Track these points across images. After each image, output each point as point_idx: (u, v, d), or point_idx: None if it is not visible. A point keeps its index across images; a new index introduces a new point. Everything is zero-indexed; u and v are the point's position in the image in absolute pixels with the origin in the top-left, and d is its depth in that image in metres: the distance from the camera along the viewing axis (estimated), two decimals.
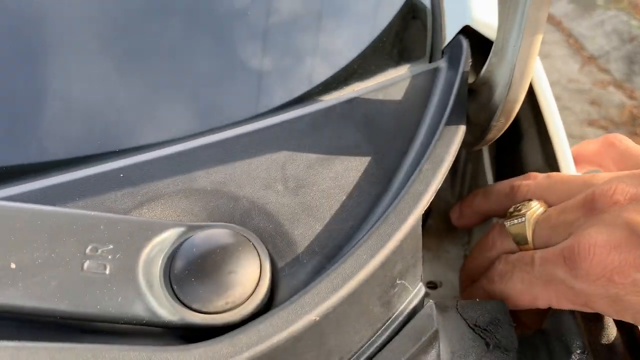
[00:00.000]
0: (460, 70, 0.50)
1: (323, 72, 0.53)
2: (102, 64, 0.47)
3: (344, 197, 0.45)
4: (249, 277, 0.37)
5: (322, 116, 0.49)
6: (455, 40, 0.54)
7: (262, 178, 0.45)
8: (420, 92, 0.52)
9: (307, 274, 0.40)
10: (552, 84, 3.63)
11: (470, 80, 0.53)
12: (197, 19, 0.51)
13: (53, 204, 0.40)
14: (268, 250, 0.41)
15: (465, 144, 0.56)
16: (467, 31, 0.55)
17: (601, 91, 3.67)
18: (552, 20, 4.37)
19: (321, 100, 0.51)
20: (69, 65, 0.47)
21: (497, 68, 0.47)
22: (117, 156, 0.45)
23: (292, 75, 0.52)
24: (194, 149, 0.45)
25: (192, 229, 0.39)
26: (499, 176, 0.74)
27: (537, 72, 0.56)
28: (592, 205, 0.42)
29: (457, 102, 0.48)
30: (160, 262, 0.37)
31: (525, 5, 0.39)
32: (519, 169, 0.67)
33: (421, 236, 0.43)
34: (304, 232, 0.42)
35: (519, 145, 0.67)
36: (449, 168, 0.44)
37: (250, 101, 0.50)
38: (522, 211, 0.47)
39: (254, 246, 0.39)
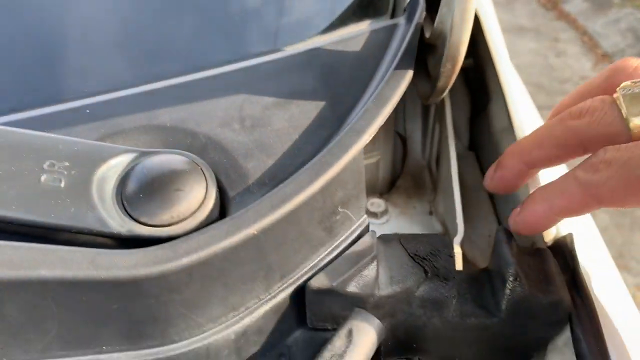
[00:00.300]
0: (413, 23, 0.52)
1: (288, 24, 0.56)
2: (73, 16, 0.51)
3: (297, 137, 0.48)
4: (194, 195, 0.40)
5: (283, 64, 0.52)
6: None
7: (220, 117, 0.48)
8: (377, 46, 0.54)
9: (255, 201, 0.43)
10: (565, 82, 3.61)
11: (429, 34, 0.56)
12: None
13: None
14: (220, 181, 0.44)
15: (425, 97, 0.58)
16: None
17: None
18: (567, 18, 4.35)
19: (283, 50, 0.54)
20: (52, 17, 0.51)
21: (446, 17, 0.49)
22: (86, 96, 0.48)
23: (257, 26, 0.55)
24: (157, 89, 0.49)
25: (145, 154, 0.42)
26: (472, 137, 0.76)
27: (492, 30, 0.58)
28: None
29: (407, 51, 0.50)
30: (113, 181, 0.41)
31: None
32: (486, 130, 0.69)
33: (363, 171, 0.45)
34: (256, 166, 0.45)
35: (488, 106, 0.69)
36: (394, 107, 0.47)
37: (215, 50, 0.53)
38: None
39: (202, 170, 0.42)
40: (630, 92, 0.37)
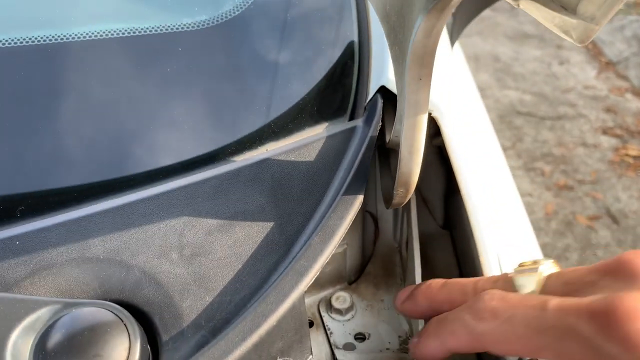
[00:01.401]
0: (368, 136, 0.49)
1: (237, 130, 0.53)
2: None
3: (240, 266, 0.45)
4: (115, 359, 0.37)
5: (229, 179, 0.49)
6: (373, 98, 0.54)
7: (158, 246, 0.45)
8: (334, 152, 0.51)
9: (190, 348, 0.41)
10: (568, 91, 3.56)
11: (388, 139, 0.53)
12: (106, 68, 0.52)
13: None
14: (154, 324, 0.41)
15: (386, 199, 0.55)
16: (385, 90, 0.54)
17: (618, 98, 3.58)
18: None
19: (231, 161, 0.51)
20: None
21: (400, 134, 0.46)
22: (16, 221, 0.45)
23: (203, 132, 0.52)
24: (91, 215, 0.46)
25: (67, 306, 0.39)
26: (447, 215, 0.73)
27: (451, 138, 0.55)
28: (618, 269, 0.38)
29: (357, 172, 0.47)
30: (32, 341, 0.38)
31: (403, 88, 0.38)
32: (461, 209, 0.66)
33: (305, 313, 0.42)
34: (192, 304, 0.42)
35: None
36: (341, 239, 0.44)
37: (155, 159, 0.50)
38: (535, 266, 0.43)
39: (126, 326, 0.39)
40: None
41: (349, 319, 0.63)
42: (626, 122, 3.36)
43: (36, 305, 0.39)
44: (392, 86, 0.54)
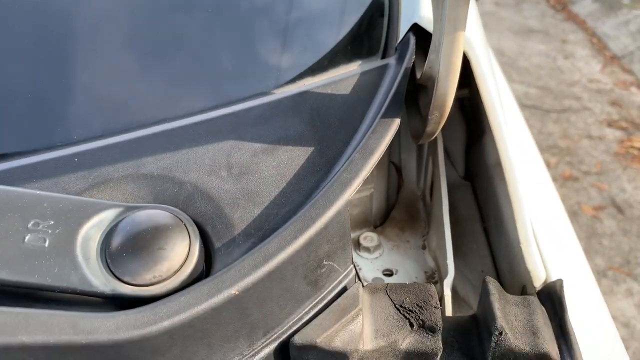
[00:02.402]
0: (403, 66, 0.52)
1: (277, 66, 0.55)
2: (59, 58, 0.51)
3: (284, 184, 0.48)
4: (177, 253, 0.40)
5: (271, 108, 0.52)
6: (405, 37, 0.57)
7: (207, 165, 0.48)
8: (367, 88, 0.54)
9: (241, 254, 0.43)
10: (573, 84, 3.58)
11: (420, 75, 0.56)
12: (155, 15, 0.55)
13: (15, 184, 0.44)
14: (207, 231, 0.44)
15: (416, 136, 0.58)
16: (417, 28, 0.57)
17: (623, 92, 3.60)
18: (576, 19, 4.31)
19: (272, 93, 0.54)
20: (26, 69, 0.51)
21: (434, 64, 0.49)
22: (73, 142, 0.48)
23: (247, 68, 0.55)
24: (144, 137, 0.49)
25: (130, 209, 0.42)
26: (468, 166, 0.76)
27: (484, 72, 0.58)
28: None
29: (394, 98, 0.50)
30: (98, 238, 0.41)
31: (445, 4, 0.41)
32: (482, 163, 0.69)
33: (348, 222, 0.45)
34: (242, 216, 0.45)
35: (482, 139, 0.69)
36: (380, 157, 0.47)
37: (205, 94, 0.53)
38: None
39: (185, 226, 0.42)
40: None
41: (376, 257, 0.66)
42: (631, 114, 3.38)
43: (102, 207, 0.42)
44: (424, 23, 0.56)
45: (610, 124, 3.36)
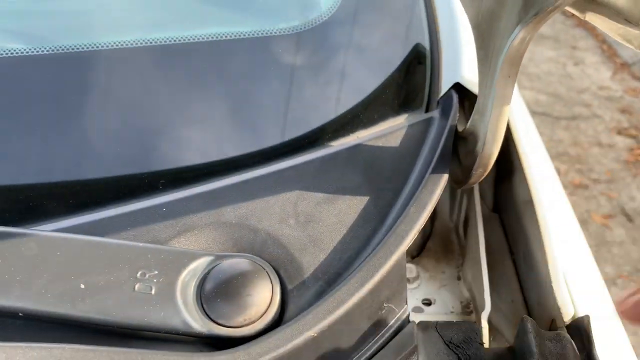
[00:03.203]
0: (448, 124, 0.59)
1: (332, 120, 0.62)
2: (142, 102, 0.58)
3: (345, 232, 0.54)
4: (262, 299, 0.47)
5: (330, 160, 0.59)
6: (447, 93, 0.63)
7: (278, 213, 0.55)
8: (414, 140, 0.61)
9: (311, 295, 0.50)
10: (583, 91, 3.63)
11: (461, 128, 0.62)
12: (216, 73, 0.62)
13: (113, 232, 0.51)
14: (280, 275, 0.51)
15: (456, 182, 0.64)
16: (458, 86, 0.63)
17: (633, 99, 3.64)
18: (586, 26, 4.35)
19: (330, 146, 0.60)
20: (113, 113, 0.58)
21: (478, 124, 0.55)
22: (160, 192, 0.55)
23: (306, 122, 0.62)
24: (223, 187, 0.55)
25: (219, 257, 0.49)
26: (495, 202, 0.82)
27: (518, 126, 0.64)
28: None
29: (442, 155, 0.57)
30: (194, 284, 0.48)
31: (493, 82, 0.47)
32: (511, 198, 0.75)
33: (405, 267, 0.52)
34: (310, 260, 0.52)
35: (512, 177, 0.75)
36: (432, 209, 0.53)
37: (269, 144, 0.60)
38: None
39: (267, 274, 0.48)
40: None
41: (415, 287, 0.72)
42: None
43: (196, 256, 0.49)
44: (465, 83, 0.63)
45: (620, 132, 3.40)
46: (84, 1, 0.69)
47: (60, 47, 0.58)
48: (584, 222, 2.80)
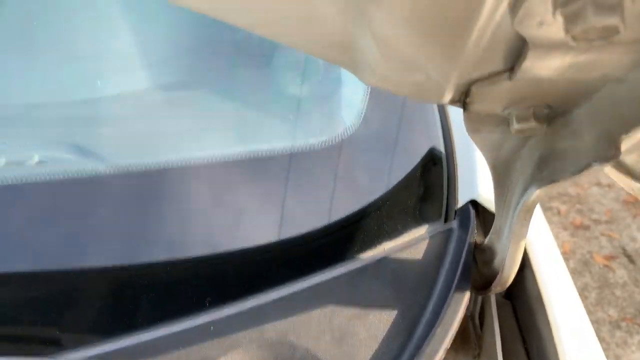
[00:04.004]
0: (467, 241, 0.64)
1: (360, 233, 0.68)
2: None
3: (376, 347, 0.59)
4: None
5: (360, 273, 0.64)
6: (465, 207, 0.69)
7: (315, 329, 0.60)
8: (436, 252, 0.66)
9: None
10: None
11: (479, 239, 0.68)
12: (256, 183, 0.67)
13: (166, 352, 0.56)
14: None
15: (476, 289, 0.70)
16: (474, 202, 0.69)
17: None
18: None
19: (359, 259, 0.66)
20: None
21: (496, 243, 0.61)
22: (206, 310, 0.60)
23: (337, 236, 0.67)
24: (263, 304, 0.61)
25: None
26: (508, 289, 0.87)
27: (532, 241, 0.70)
28: None
29: (463, 272, 0.62)
30: None
31: (510, 221, 0.53)
32: (522, 290, 0.80)
33: None
34: None
35: (523, 270, 0.80)
36: (457, 329, 0.59)
37: (302, 259, 0.65)
38: None
39: None
40: None
41: None
42: None
43: None
44: (482, 201, 0.69)
45: None
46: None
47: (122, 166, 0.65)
48: (586, 263, 2.84)
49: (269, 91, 0.79)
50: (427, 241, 0.67)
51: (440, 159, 0.74)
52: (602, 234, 3.02)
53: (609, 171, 0.52)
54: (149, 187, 0.66)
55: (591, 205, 3.22)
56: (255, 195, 0.68)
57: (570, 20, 0.27)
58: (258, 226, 0.66)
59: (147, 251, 0.63)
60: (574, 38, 0.28)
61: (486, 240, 0.64)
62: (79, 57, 0.76)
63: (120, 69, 0.77)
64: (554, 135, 0.47)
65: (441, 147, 0.75)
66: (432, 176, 0.73)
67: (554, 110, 0.44)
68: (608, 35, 0.27)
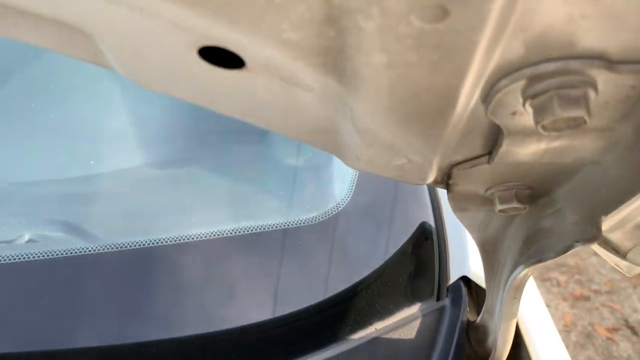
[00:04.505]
0: (459, 320, 0.63)
1: (351, 312, 0.67)
2: None
3: None
4: None
5: (351, 355, 0.63)
6: (456, 283, 0.68)
7: None
8: (429, 331, 0.65)
9: None
10: None
11: (471, 316, 0.67)
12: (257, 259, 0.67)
13: None
14: None
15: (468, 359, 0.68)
16: (466, 277, 0.69)
17: None
18: None
19: (350, 339, 0.65)
20: None
21: (488, 321, 0.60)
22: None
23: (328, 315, 0.66)
24: None
25: None
26: None
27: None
28: None
29: (456, 352, 0.61)
30: None
31: (500, 299, 0.53)
32: None
33: None
34: None
35: (519, 348, 0.79)
36: None
37: (293, 340, 0.64)
38: None
39: None
40: None
41: None
42: None
43: None
44: (473, 277, 0.69)
45: None
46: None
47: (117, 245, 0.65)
48: (589, 336, 2.78)
49: (262, 167, 0.81)
50: (419, 320, 0.66)
51: (431, 233, 0.74)
52: (603, 305, 2.97)
53: (595, 248, 0.52)
54: (140, 265, 0.65)
55: (590, 276, 3.19)
56: (245, 274, 0.68)
57: (538, 112, 0.28)
58: (249, 305, 0.66)
59: (138, 330, 0.62)
60: (543, 128, 0.29)
61: (479, 319, 0.63)
62: (75, 136, 0.78)
63: (116, 148, 0.79)
64: (539, 214, 0.47)
65: (431, 222, 0.76)
66: (423, 252, 0.73)
67: (536, 191, 0.45)
68: (576, 125, 0.29)
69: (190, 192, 0.76)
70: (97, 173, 0.76)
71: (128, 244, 0.65)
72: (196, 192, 0.76)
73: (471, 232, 0.54)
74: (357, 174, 0.76)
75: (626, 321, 2.86)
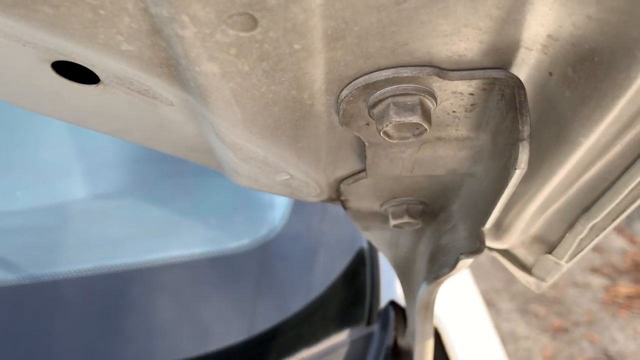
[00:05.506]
0: (385, 345, 0.63)
1: (273, 339, 0.66)
2: None
3: None
4: None
5: None
6: (385, 309, 0.68)
7: None
8: (356, 357, 0.64)
9: None
10: None
11: (402, 339, 0.66)
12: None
13: None
14: None
15: None
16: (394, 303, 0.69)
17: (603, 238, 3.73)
18: None
19: None
20: None
21: (412, 344, 0.59)
22: None
23: (254, 347, 0.65)
24: None
25: None
26: None
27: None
28: None
29: None
30: None
31: (415, 320, 0.52)
32: None
33: None
34: None
35: None
36: None
37: None
38: None
39: None
40: None
41: None
42: (612, 260, 3.49)
43: None
44: (400, 300, 0.68)
45: (594, 270, 3.46)
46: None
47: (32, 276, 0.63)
48: None
49: (197, 197, 0.80)
50: (347, 346, 0.65)
51: (364, 259, 0.74)
52: (583, 337, 2.95)
53: (509, 267, 0.52)
54: (59, 296, 0.64)
55: (569, 307, 3.17)
56: (168, 307, 0.67)
57: (378, 120, 0.29)
58: (173, 340, 0.64)
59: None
60: (386, 135, 0.29)
61: (404, 342, 0.63)
62: (7, 168, 0.78)
63: (49, 180, 0.79)
64: (439, 231, 0.47)
65: (365, 246, 0.75)
66: (356, 279, 0.73)
67: (430, 207, 0.45)
68: (418, 132, 0.29)
69: (120, 224, 0.76)
70: (25, 207, 0.75)
71: (47, 275, 0.64)
72: (125, 223, 0.76)
73: (383, 251, 0.54)
74: (292, 201, 0.77)
75: (605, 352, 2.84)
